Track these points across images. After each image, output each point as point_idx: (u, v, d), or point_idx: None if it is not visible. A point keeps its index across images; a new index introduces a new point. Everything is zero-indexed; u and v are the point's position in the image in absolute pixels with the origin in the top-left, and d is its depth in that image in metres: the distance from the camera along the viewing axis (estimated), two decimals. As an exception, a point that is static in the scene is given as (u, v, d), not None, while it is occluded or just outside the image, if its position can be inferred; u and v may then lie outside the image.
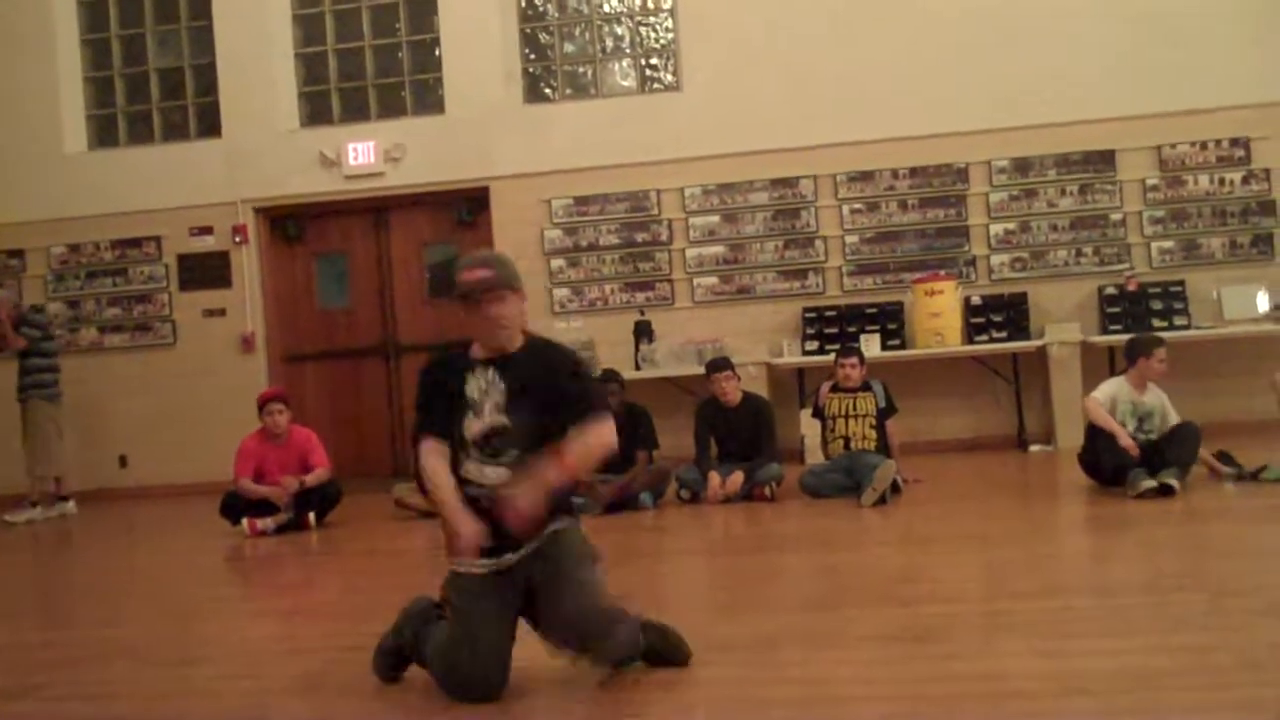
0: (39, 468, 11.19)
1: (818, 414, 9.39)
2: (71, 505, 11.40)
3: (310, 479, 9.26)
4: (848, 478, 8.70)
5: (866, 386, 9.21)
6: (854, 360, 9.25)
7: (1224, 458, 8.28)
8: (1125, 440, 7.93)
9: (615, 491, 8.98)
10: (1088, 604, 5.10)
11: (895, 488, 8.49)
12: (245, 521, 9.11)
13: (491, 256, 4.37)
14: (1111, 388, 8.32)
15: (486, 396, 4.20)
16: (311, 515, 9.23)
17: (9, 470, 11.66)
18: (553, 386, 4.19)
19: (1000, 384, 11.41)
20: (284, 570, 8.06)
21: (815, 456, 9.95)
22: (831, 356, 9.64)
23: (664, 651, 4.36)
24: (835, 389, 9.24)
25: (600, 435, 4.19)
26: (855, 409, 9.09)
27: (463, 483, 4.17)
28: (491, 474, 4.16)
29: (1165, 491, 7.57)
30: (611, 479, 9.08)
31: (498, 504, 4.07)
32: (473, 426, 4.18)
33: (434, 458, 4.24)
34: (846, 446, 9.02)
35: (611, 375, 9.49)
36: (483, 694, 4.08)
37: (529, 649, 4.31)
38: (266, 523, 9.08)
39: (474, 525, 4.10)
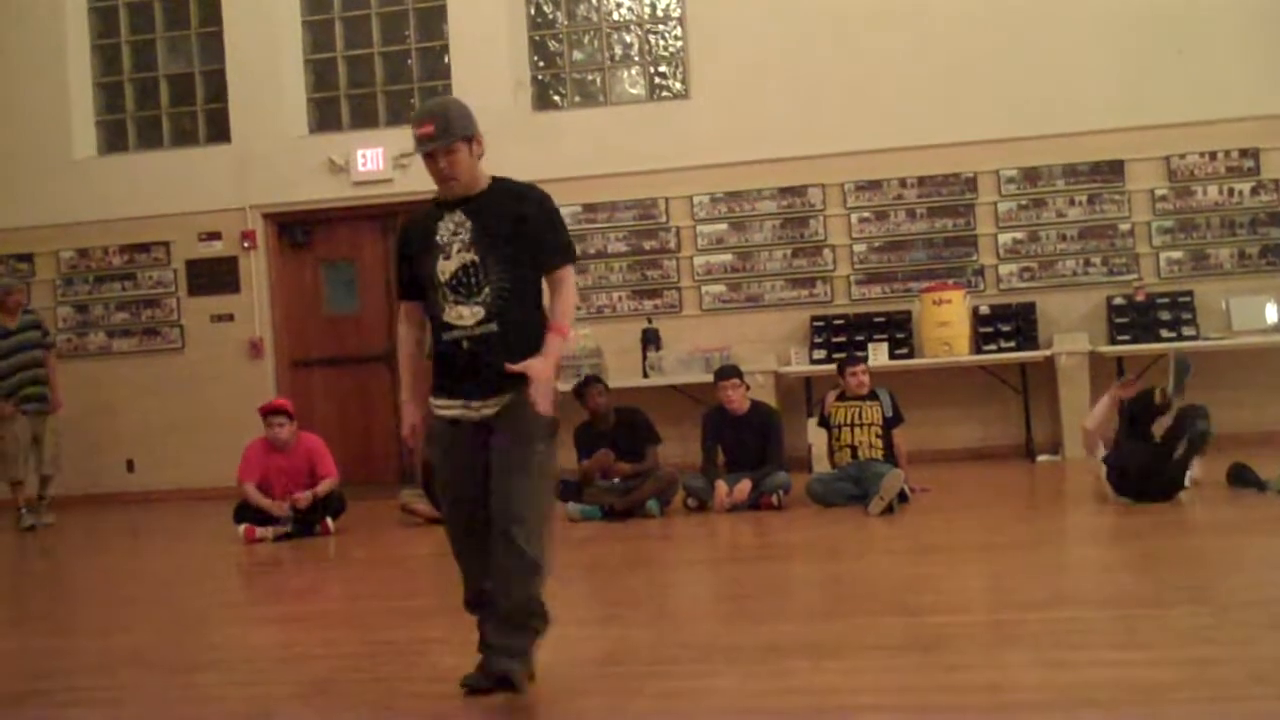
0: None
1: (823, 423, 9.37)
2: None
3: (321, 489, 9.18)
4: (855, 486, 8.70)
5: (873, 395, 9.17)
6: (863, 366, 9.23)
7: (1241, 469, 8.22)
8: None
9: (619, 470, 9.03)
10: (1094, 615, 5.09)
11: (903, 497, 8.48)
12: (242, 528, 9.02)
13: (439, 105, 4.43)
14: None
15: (455, 237, 4.29)
16: (330, 520, 9.21)
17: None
18: (521, 223, 4.27)
19: (1008, 393, 11.38)
20: (290, 577, 8.06)
21: (822, 465, 9.91)
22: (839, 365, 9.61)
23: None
24: (841, 397, 9.21)
25: (571, 290, 4.32)
26: (861, 418, 9.06)
27: (445, 328, 4.27)
28: (467, 313, 4.24)
29: None
30: (618, 485, 9.09)
31: (483, 351, 4.21)
32: (445, 269, 4.26)
33: (403, 326, 4.54)
34: (854, 456, 8.99)
35: (592, 379, 9.44)
36: (461, 533, 4.31)
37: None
38: (265, 531, 9.01)
39: (411, 421, 4.48)
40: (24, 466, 10.82)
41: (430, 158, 4.31)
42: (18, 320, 10.88)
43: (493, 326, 4.21)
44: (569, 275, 4.32)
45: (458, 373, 4.27)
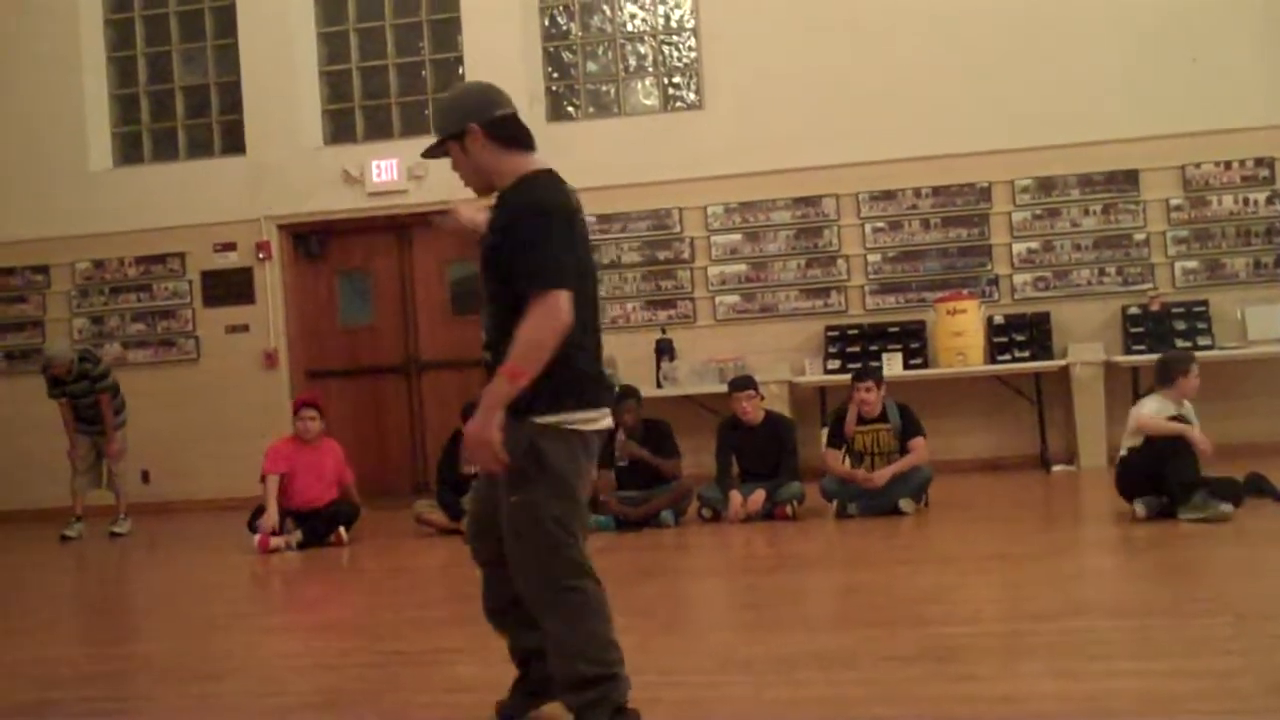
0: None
1: (836, 441, 9.19)
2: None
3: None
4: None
5: (884, 416, 9.06)
6: (869, 384, 8.99)
7: (1257, 479, 8.17)
8: (1197, 435, 7.59)
9: (637, 453, 9.06)
10: (1110, 626, 5.07)
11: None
12: (256, 537, 9.07)
13: (442, 100, 3.90)
14: (1156, 404, 7.94)
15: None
16: (343, 530, 9.26)
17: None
18: (498, 243, 3.73)
19: (1022, 403, 11.35)
20: (305, 586, 8.08)
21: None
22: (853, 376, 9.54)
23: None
24: (860, 421, 9.06)
25: (537, 321, 3.55)
26: (879, 445, 8.95)
27: None
28: (485, 337, 3.85)
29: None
30: (635, 495, 9.09)
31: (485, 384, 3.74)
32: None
33: None
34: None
35: (628, 392, 9.38)
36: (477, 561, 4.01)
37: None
38: (279, 541, 9.03)
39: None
40: (85, 479, 11.16)
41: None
42: (72, 373, 10.93)
43: (488, 356, 3.76)
44: (539, 303, 3.54)
45: None
